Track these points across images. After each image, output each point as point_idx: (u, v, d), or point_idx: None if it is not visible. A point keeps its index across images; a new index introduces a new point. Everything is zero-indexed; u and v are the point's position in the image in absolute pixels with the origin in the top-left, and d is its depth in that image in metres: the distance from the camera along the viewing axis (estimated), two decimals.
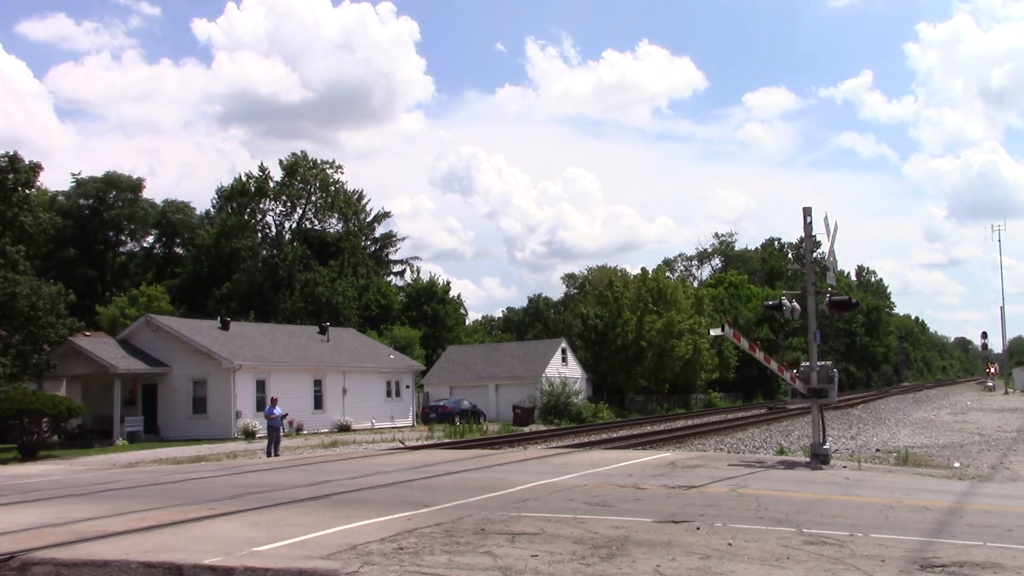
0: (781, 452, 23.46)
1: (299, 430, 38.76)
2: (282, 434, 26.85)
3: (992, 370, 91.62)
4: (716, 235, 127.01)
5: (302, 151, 77.21)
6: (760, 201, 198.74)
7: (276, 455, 25.37)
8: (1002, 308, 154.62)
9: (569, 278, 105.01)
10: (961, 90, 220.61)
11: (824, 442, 17.69)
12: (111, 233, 73.74)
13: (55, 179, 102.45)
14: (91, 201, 70.92)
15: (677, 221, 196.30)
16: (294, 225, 76.23)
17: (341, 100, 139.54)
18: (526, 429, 41.16)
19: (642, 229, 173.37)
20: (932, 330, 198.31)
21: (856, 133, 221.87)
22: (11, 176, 34.01)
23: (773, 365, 18.99)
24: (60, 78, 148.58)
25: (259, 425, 36.35)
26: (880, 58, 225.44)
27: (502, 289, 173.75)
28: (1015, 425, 34.29)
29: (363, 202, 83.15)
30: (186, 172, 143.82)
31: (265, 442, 27.31)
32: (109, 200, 71.28)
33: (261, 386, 38.37)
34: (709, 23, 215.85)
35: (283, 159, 75.23)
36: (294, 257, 67.84)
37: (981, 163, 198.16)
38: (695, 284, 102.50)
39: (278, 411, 26.36)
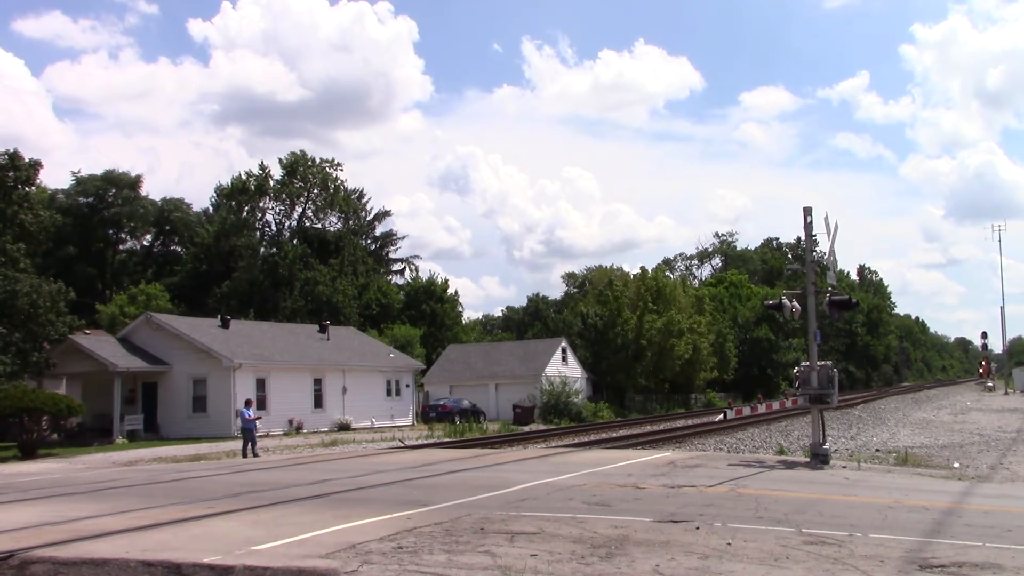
0: (781, 452, 23.47)
1: (299, 429, 38.77)
2: (256, 435, 26.36)
3: (982, 370, 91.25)
4: (716, 235, 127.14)
5: (301, 150, 77.31)
6: (759, 201, 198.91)
7: (255, 455, 25.01)
8: (1002, 308, 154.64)
9: (569, 277, 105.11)
10: (957, 91, 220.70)
11: (824, 442, 17.69)
12: (110, 231, 73.82)
13: (54, 177, 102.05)
14: (90, 199, 71.00)
15: (676, 220, 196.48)
16: (294, 224, 76.29)
17: (339, 99, 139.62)
18: (526, 428, 41.16)
19: (641, 228, 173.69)
20: (932, 330, 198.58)
21: (853, 134, 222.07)
22: (11, 174, 33.99)
23: None
24: (57, 76, 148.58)
25: (258, 424, 36.31)
26: (876, 59, 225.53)
27: (501, 288, 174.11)
28: (1015, 426, 34.29)
29: (363, 201, 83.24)
30: (184, 171, 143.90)
31: (266, 440, 27.20)
32: (108, 198, 71.33)
33: (261, 384, 38.37)
34: (705, 23, 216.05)
35: (283, 158, 75.30)
36: (294, 256, 67.84)
37: (978, 164, 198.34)
38: (696, 284, 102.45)
39: (250, 413, 26.03)
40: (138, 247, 78.66)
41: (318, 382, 41.78)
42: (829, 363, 18.03)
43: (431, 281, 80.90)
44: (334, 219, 77.93)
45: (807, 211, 18.25)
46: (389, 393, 46.31)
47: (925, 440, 28.53)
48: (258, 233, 75.04)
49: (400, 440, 31.65)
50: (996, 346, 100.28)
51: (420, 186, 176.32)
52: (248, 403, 26.93)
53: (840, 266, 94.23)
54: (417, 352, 60.66)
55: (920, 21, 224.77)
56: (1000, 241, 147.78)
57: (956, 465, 19.59)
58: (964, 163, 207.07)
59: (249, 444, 25.46)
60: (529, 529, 9.44)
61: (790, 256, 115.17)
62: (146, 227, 76.36)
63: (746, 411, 31.46)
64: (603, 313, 62.22)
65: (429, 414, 48.05)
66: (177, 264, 74.92)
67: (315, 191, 75.77)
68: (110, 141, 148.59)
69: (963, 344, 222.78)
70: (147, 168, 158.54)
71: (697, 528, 9.49)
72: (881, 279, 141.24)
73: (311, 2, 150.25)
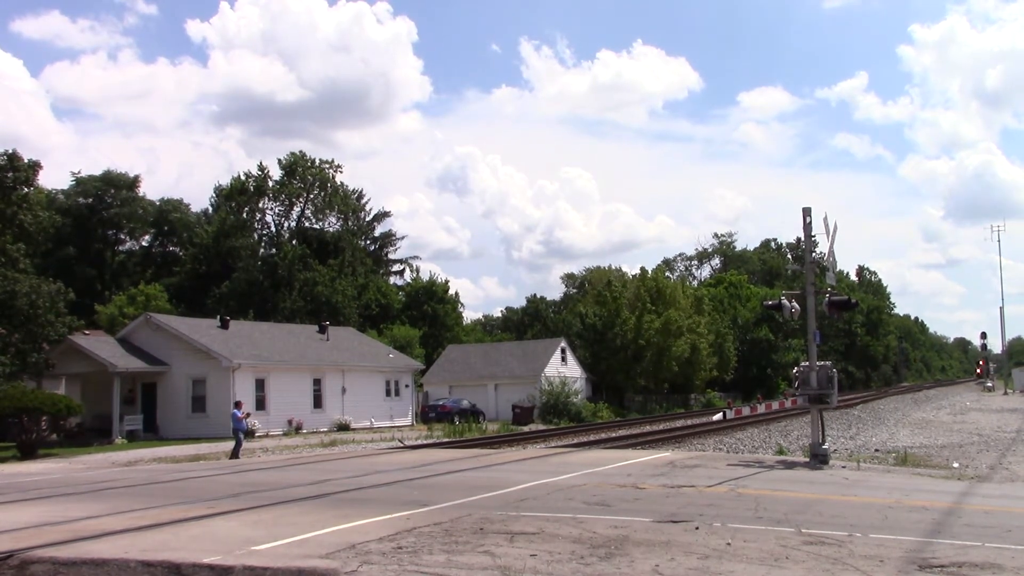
0: (780, 452, 23.47)
1: (298, 429, 38.76)
2: (242, 437, 26.31)
3: (980, 370, 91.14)
4: (716, 235, 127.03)
5: (300, 150, 77.26)
6: (759, 201, 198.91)
7: (234, 457, 24.96)
8: (1001, 309, 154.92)
9: (568, 278, 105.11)
10: (956, 91, 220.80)
11: (823, 442, 17.71)
12: (110, 232, 73.80)
13: (53, 178, 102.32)
14: (90, 200, 70.97)
15: (676, 221, 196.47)
16: (293, 224, 76.23)
17: (338, 100, 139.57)
18: (525, 428, 41.16)
19: (640, 228, 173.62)
20: (931, 331, 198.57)
21: (852, 134, 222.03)
22: (10, 175, 33.95)
23: None
24: (56, 76, 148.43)
25: (258, 424, 36.35)
26: (875, 59, 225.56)
27: (500, 289, 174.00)
28: (1014, 426, 34.31)
29: (362, 201, 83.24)
30: (184, 171, 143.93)
31: (266, 440, 27.17)
32: (107, 199, 71.34)
33: (261, 385, 38.37)
34: (704, 23, 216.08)
35: (282, 158, 75.34)
36: (293, 256, 67.82)
37: (977, 164, 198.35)
38: (695, 284, 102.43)
39: (239, 413, 25.93)
40: (137, 247, 78.65)
41: (317, 382, 41.77)
42: (828, 363, 18.04)
43: (432, 281, 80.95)
44: (333, 220, 78.00)
45: (806, 211, 18.27)
46: (388, 393, 46.31)
47: (924, 440, 28.54)
48: (257, 234, 75.05)
49: (399, 440, 31.65)
50: (995, 346, 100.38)
51: (419, 186, 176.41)
52: (238, 404, 26.89)
53: (839, 266, 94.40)
54: (417, 352, 60.69)
55: (919, 21, 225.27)
56: (999, 241, 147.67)
57: (956, 465, 19.60)
58: (963, 163, 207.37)
59: (235, 445, 25.45)
60: (529, 529, 9.45)
61: (789, 256, 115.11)
62: (145, 228, 76.35)
63: (745, 411, 31.44)
64: (602, 313, 62.23)
65: (428, 414, 48.06)
66: (176, 264, 74.88)
67: (314, 191, 75.77)
68: (109, 141, 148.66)
69: (962, 344, 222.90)
70: (146, 168, 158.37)
71: (697, 528, 9.49)
72: (880, 279, 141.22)
73: (310, 2, 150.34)
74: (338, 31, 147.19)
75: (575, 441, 31.42)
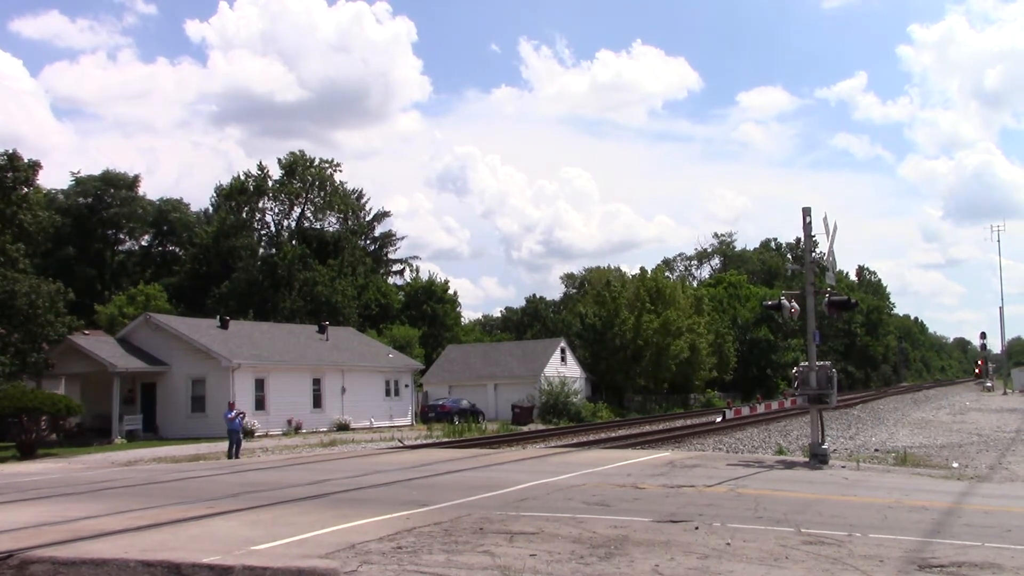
0: (780, 452, 23.48)
1: (298, 429, 38.76)
2: (240, 436, 26.28)
3: (978, 370, 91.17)
4: (716, 235, 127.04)
5: (300, 150, 77.24)
6: (758, 201, 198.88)
7: (236, 457, 24.92)
8: (1001, 309, 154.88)
9: (568, 278, 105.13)
10: (955, 91, 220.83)
11: (823, 442, 17.71)
12: (109, 231, 73.82)
13: (53, 178, 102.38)
14: (89, 200, 70.99)
15: (676, 220, 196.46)
16: (293, 224, 76.25)
17: (338, 100, 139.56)
18: (525, 428, 41.16)
19: (640, 228, 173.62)
20: (931, 331, 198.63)
21: (851, 134, 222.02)
22: (10, 175, 33.95)
23: None
24: (55, 76, 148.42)
25: (257, 424, 36.36)
26: (874, 59, 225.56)
27: (500, 289, 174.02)
28: (1013, 426, 34.32)
29: (362, 201, 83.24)
30: (184, 171, 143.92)
31: (265, 440, 27.15)
32: (107, 199, 71.36)
33: (260, 385, 38.37)
34: (703, 23, 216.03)
35: (282, 158, 75.38)
36: (293, 256, 67.82)
37: (976, 164, 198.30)
38: (695, 284, 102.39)
39: (232, 414, 25.90)
40: (137, 247, 78.71)
41: (317, 382, 41.77)
42: (828, 363, 18.05)
43: (431, 281, 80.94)
44: (333, 219, 78.06)
45: (806, 211, 18.27)
46: (388, 393, 46.30)
47: (924, 440, 28.55)
48: (257, 234, 75.05)
49: (399, 440, 31.65)
50: (995, 346, 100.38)
51: (419, 186, 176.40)
52: (230, 405, 26.89)
53: (839, 266, 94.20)
54: (416, 352, 60.68)
55: (918, 21, 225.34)
56: (999, 241, 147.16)
57: (955, 465, 19.60)
58: (962, 163, 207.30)
59: (233, 446, 25.40)
60: (528, 529, 9.45)
61: (789, 257, 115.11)
62: (145, 227, 76.38)
63: (745, 411, 31.47)
64: (601, 313, 62.21)
65: (428, 414, 48.06)
66: (176, 264, 74.92)
67: (314, 191, 75.80)
68: (109, 141, 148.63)
69: (962, 344, 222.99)
70: (146, 168, 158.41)
71: (696, 528, 9.50)
72: (880, 279, 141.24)
73: (309, 2, 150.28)
74: (338, 31, 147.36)
75: (575, 441, 31.43)
